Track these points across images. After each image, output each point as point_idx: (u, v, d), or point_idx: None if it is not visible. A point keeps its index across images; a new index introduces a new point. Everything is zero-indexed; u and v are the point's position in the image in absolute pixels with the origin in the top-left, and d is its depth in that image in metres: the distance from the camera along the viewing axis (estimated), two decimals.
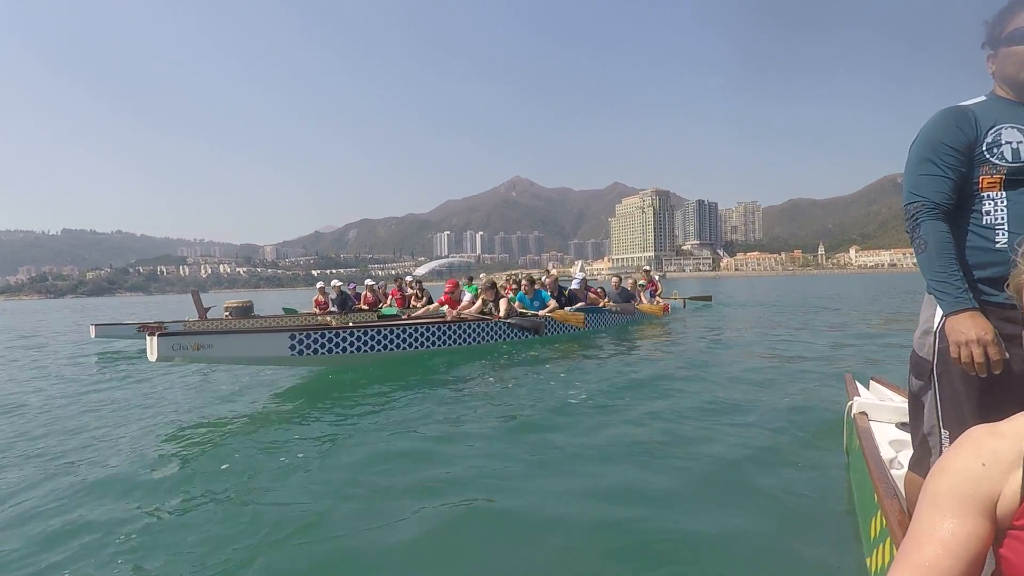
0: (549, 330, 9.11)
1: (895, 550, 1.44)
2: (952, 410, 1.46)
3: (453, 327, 7.83)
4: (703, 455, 3.27)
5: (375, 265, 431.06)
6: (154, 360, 5.02)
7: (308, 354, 6.15)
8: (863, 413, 2.59)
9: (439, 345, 7.59)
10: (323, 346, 6.29)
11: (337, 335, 6.44)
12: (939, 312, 1.50)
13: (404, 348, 7.14)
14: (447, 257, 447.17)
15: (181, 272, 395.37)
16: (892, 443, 2.32)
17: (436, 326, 7.60)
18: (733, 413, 4.15)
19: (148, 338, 5.03)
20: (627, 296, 12.01)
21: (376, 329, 6.85)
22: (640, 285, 13.56)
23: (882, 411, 2.58)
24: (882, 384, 3.13)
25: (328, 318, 7.84)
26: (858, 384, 3.09)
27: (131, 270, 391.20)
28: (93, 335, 10.72)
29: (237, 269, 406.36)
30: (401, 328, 7.14)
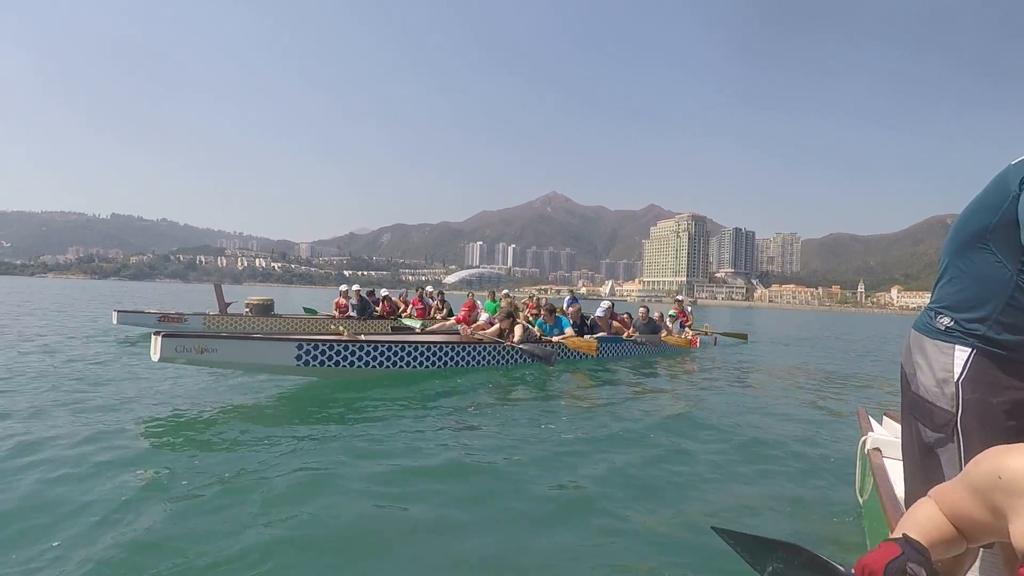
0: (560, 358, 8.86)
1: None
2: None
3: (465, 348, 7.67)
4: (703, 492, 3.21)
5: (406, 270, 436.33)
6: (156, 360, 5.01)
7: (314, 365, 6.02)
8: (877, 449, 2.56)
9: (448, 364, 7.41)
10: (330, 358, 6.15)
11: (345, 348, 6.29)
12: (958, 359, 1.45)
13: (413, 366, 6.98)
14: (478, 267, 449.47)
15: (219, 263, 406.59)
16: None
17: (447, 346, 7.44)
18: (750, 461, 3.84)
19: (153, 337, 5.02)
20: (653, 328, 11.52)
21: (386, 345, 6.68)
22: (670, 315, 13.07)
23: (897, 447, 2.51)
24: (896, 420, 3.03)
25: (338, 327, 7.71)
26: (871, 419, 3.04)
27: (172, 257, 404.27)
28: (115, 321, 10.79)
29: (272, 264, 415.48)
30: (411, 346, 6.98)
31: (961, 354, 1.45)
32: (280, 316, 12.48)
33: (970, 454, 1.37)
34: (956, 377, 1.45)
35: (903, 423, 1.65)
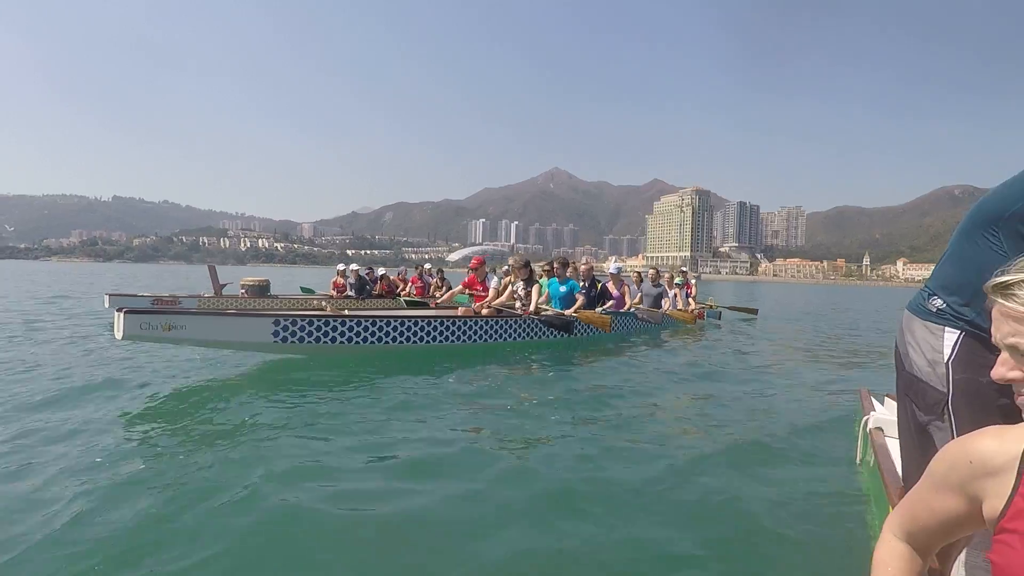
0: (578, 330, 8.27)
1: None
2: None
3: (466, 322, 7.07)
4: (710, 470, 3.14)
5: (409, 248, 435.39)
6: (120, 338, 4.73)
7: (293, 341, 5.68)
8: (879, 428, 2.57)
9: (451, 340, 6.90)
10: (310, 334, 5.79)
11: (326, 323, 5.92)
12: (947, 341, 1.48)
13: (403, 342, 6.49)
14: (481, 245, 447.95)
15: (222, 244, 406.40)
16: None
17: (448, 320, 6.92)
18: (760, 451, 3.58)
19: (116, 314, 4.75)
20: (660, 293, 11.19)
21: (371, 320, 6.26)
22: (677, 284, 12.71)
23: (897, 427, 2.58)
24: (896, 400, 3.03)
25: (325, 304, 7.10)
26: (873, 399, 3.04)
27: (175, 239, 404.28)
28: (107, 305, 10.57)
29: (275, 244, 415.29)
30: (402, 320, 6.50)
31: (951, 336, 1.47)
32: (276, 297, 12.26)
33: (963, 433, 1.42)
34: (946, 358, 1.47)
35: (898, 402, 1.68)
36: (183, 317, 5.05)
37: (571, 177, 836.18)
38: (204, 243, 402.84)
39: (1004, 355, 0.89)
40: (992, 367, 1.29)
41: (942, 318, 1.51)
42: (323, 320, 5.91)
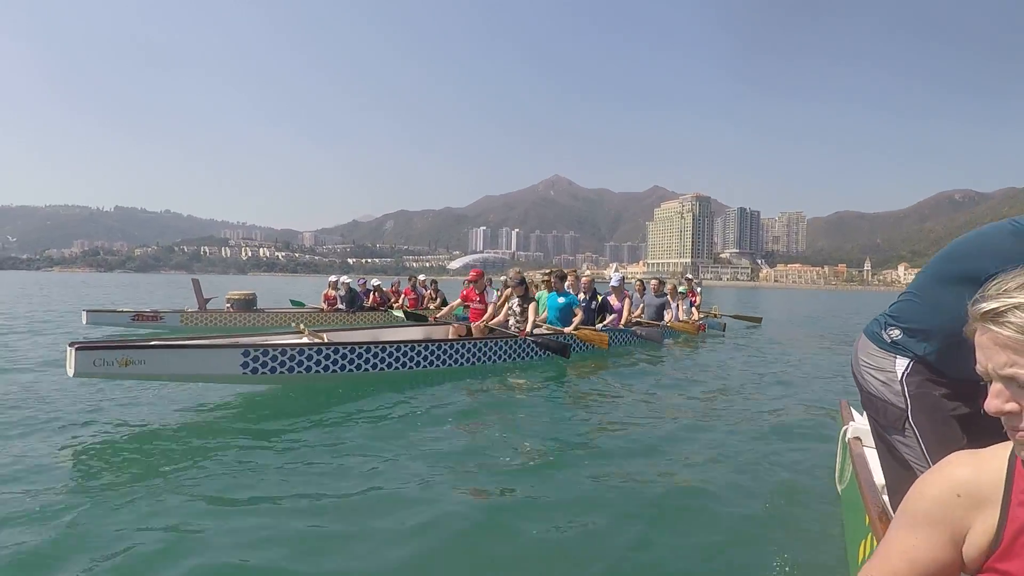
0: (575, 350, 7.75)
1: None
2: (942, 455, 1.37)
3: (453, 346, 6.65)
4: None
5: (410, 257, 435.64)
6: (72, 375, 4.35)
7: (264, 372, 5.23)
8: (857, 438, 2.65)
9: (438, 366, 6.49)
10: (283, 364, 5.35)
11: (301, 352, 5.48)
12: (899, 366, 1.57)
13: (393, 368, 6.10)
14: (482, 252, 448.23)
15: (223, 253, 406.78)
16: None
17: (433, 344, 6.51)
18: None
19: (68, 349, 4.37)
20: (663, 304, 10.74)
21: (350, 347, 5.82)
22: (681, 293, 12.28)
23: None
24: None
25: (303, 327, 6.47)
26: (852, 410, 3.11)
27: (176, 249, 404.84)
28: (85, 322, 10.16)
29: (276, 254, 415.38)
30: (385, 347, 6.08)
31: (902, 362, 1.57)
32: (263, 311, 11.85)
33: (929, 443, 1.50)
34: (899, 377, 1.57)
35: (868, 417, 1.74)
36: (143, 352, 4.59)
37: (572, 184, 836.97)
38: (205, 252, 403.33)
39: (998, 386, 0.82)
40: (942, 384, 1.39)
41: (896, 348, 1.59)
42: (297, 349, 5.47)
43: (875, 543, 1.68)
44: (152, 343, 4.87)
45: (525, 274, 8.05)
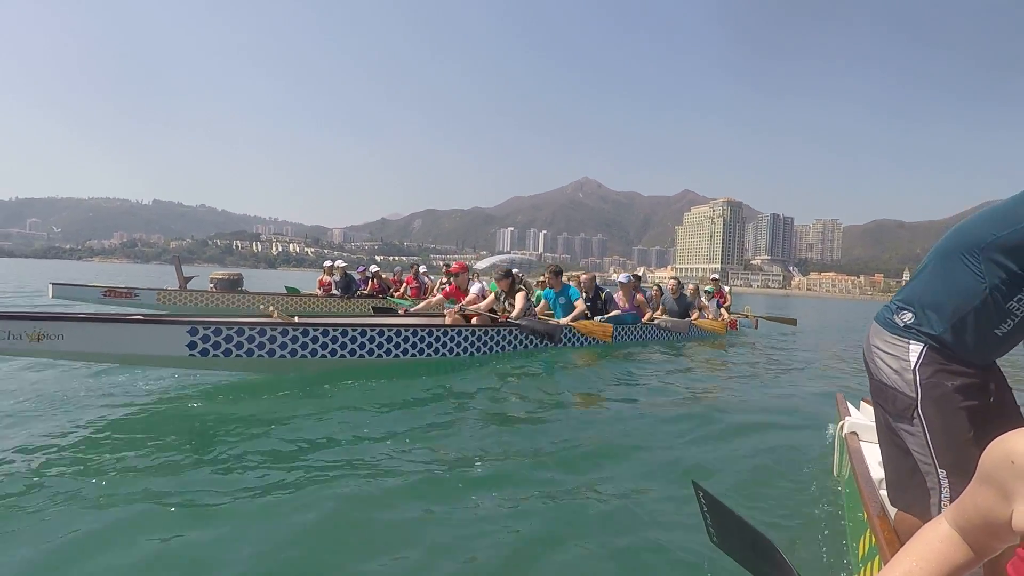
0: (567, 339, 7.22)
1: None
2: (946, 448, 1.47)
3: (432, 332, 5.82)
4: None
5: (437, 256, 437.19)
6: None
7: (216, 355, 4.40)
8: (854, 433, 2.60)
9: (410, 354, 5.60)
10: (239, 346, 4.48)
11: (262, 332, 4.56)
12: (912, 352, 1.54)
13: (359, 355, 5.20)
14: (508, 253, 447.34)
15: (254, 248, 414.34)
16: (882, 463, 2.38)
17: (407, 330, 5.61)
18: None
19: None
20: (686, 305, 9.61)
21: (321, 330, 4.94)
22: (706, 291, 11.10)
23: (873, 431, 2.54)
24: (871, 405, 2.98)
25: (272, 310, 5.38)
26: (849, 404, 3.09)
27: (210, 243, 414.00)
28: (51, 295, 9.37)
29: (306, 249, 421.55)
30: (358, 330, 5.20)
31: (915, 347, 1.54)
32: (246, 293, 10.99)
33: (934, 435, 1.48)
34: (912, 366, 1.53)
35: (874, 407, 1.71)
36: (60, 324, 3.75)
37: (601, 187, 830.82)
38: (237, 246, 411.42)
39: None
40: (955, 372, 1.38)
41: (908, 332, 1.56)
42: (258, 330, 4.54)
43: (873, 539, 1.66)
44: (75, 315, 4.07)
45: (516, 270, 7.49)
